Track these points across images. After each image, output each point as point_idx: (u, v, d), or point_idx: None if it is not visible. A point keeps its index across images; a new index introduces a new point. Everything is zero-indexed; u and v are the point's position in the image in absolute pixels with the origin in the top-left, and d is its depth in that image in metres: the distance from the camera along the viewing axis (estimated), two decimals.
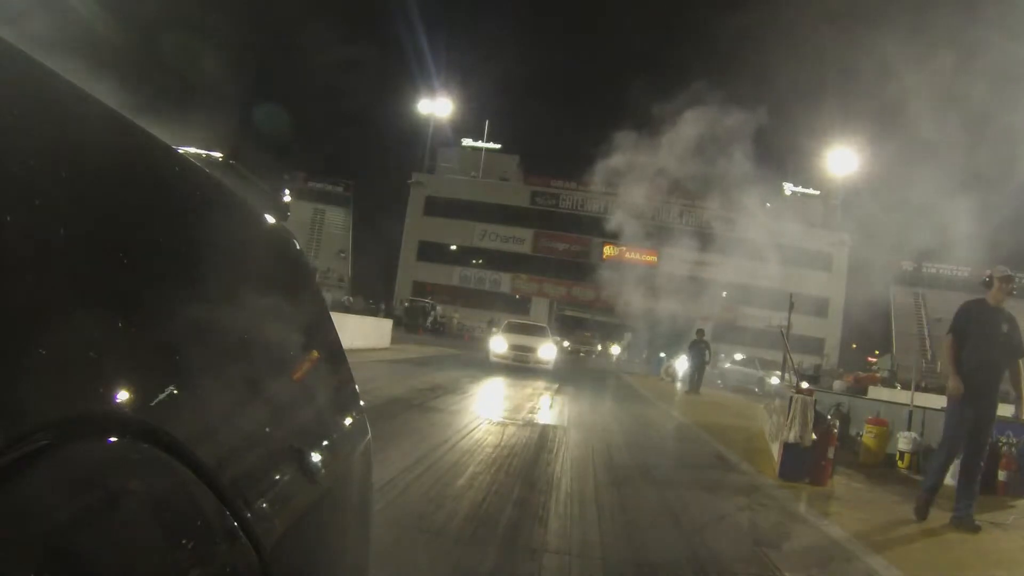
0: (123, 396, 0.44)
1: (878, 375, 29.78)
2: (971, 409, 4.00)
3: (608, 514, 3.38)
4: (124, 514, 0.43)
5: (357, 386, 0.92)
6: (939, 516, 4.05)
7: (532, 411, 7.34)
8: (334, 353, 0.88)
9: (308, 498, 0.68)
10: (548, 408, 7.86)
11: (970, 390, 3.98)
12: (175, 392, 0.49)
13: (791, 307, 16.47)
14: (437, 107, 42.33)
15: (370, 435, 0.90)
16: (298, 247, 0.87)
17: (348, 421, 0.86)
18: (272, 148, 37.89)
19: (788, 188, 43.83)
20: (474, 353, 17.21)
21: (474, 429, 5.48)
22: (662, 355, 25.87)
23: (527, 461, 4.45)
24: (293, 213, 37.82)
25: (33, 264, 0.41)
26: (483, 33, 79.59)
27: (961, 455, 4.09)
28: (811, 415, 4.64)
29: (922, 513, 4.04)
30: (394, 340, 16.44)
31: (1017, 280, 5.09)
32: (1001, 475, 5.34)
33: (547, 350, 14.60)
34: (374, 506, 0.87)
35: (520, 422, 6.29)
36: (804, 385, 5.32)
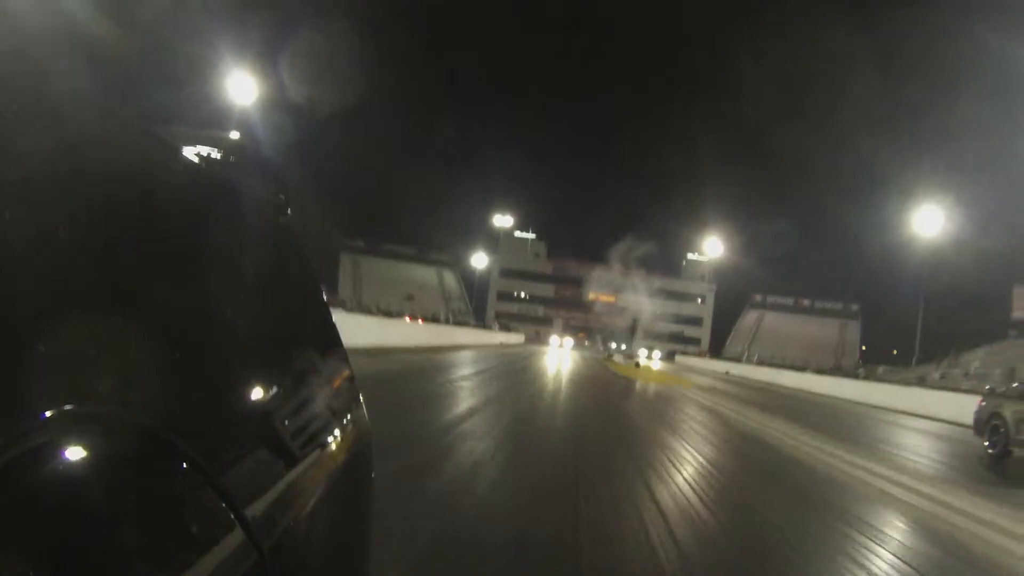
0: (122, 394, 0.44)
1: (706, 353, 70.83)
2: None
3: (576, 367, 39.68)
4: (123, 513, 0.42)
5: (357, 384, 0.92)
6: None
7: (562, 358, 42.98)
8: (333, 349, 0.87)
9: (308, 495, 0.68)
10: (568, 357, 43.67)
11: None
12: (174, 390, 0.49)
13: (635, 326, 53.28)
14: (503, 221, 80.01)
15: (371, 430, 0.90)
16: (298, 242, 0.86)
17: (348, 416, 0.86)
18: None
19: (690, 255, 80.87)
20: (542, 345, 54.54)
21: (554, 359, 42.18)
22: (612, 344, 63.62)
23: (563, 359, 39.59)
24: (424, 277, 75.68)
25: (33, 262, 0.41)
26: (524, 168, 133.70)
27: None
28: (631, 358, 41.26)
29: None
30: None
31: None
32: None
33: (568, 343, 54.15)
34: (374, 502, 0.90)
35: (559, 357, 41.44)
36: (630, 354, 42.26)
